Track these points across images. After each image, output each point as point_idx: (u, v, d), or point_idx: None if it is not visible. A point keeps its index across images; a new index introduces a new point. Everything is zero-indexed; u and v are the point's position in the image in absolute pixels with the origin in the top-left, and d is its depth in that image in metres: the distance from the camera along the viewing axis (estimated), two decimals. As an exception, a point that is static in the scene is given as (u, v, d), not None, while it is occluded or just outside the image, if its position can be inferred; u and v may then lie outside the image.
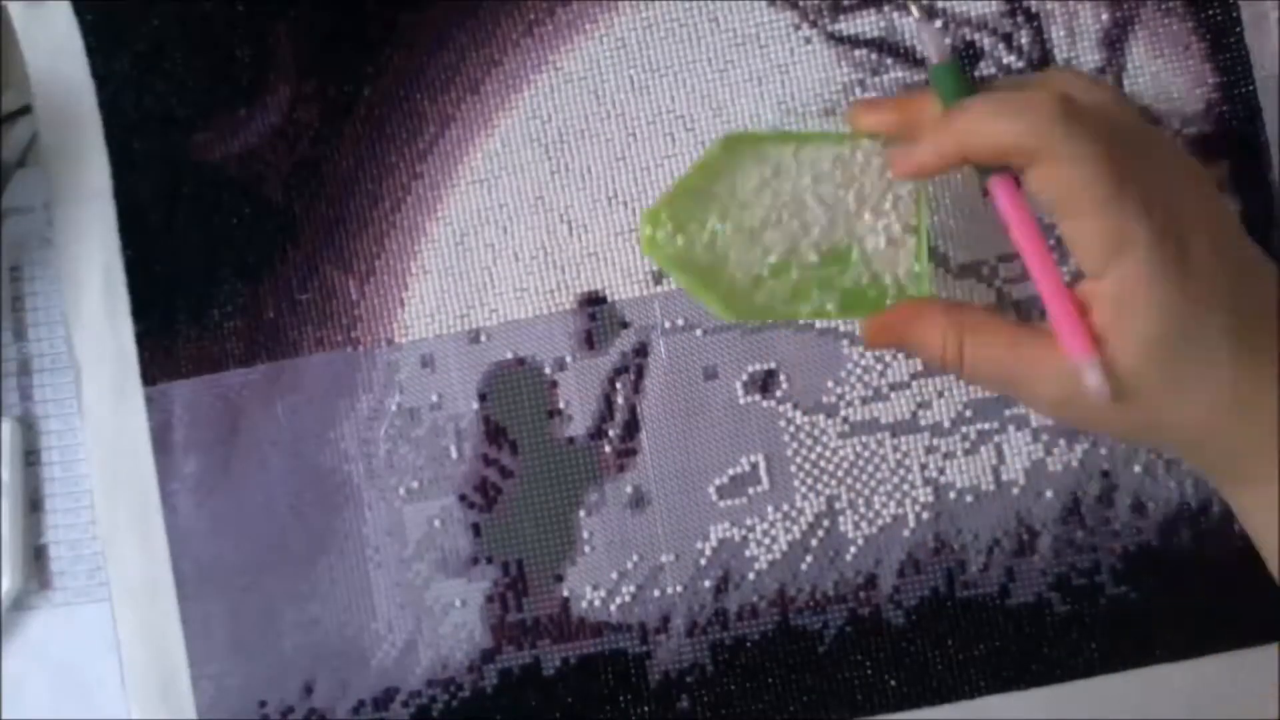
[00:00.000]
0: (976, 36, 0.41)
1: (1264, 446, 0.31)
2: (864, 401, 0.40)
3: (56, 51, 0.42)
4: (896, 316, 0.34)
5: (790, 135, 0.36)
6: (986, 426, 0.40)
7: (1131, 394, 0.30)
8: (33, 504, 0.42)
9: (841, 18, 0.41)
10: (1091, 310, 0.30)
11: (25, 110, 0.42)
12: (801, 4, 0.41)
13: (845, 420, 0.40)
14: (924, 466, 0.40)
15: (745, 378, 0.40)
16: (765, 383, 0.40)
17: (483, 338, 0.41)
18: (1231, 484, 0.33)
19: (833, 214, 0.35)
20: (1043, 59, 0.41)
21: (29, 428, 0.42)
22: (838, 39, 0.41)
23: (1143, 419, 0.31)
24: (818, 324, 0.40)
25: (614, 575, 0.40)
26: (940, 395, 0.40)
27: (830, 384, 0.40)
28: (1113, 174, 0.29)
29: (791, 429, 0.40)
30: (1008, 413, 0.40)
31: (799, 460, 0.40)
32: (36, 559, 0.41)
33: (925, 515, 0.40)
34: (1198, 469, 0.34)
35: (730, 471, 0.40)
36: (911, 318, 0.33)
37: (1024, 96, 0.31)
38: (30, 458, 0.42)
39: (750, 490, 0.40)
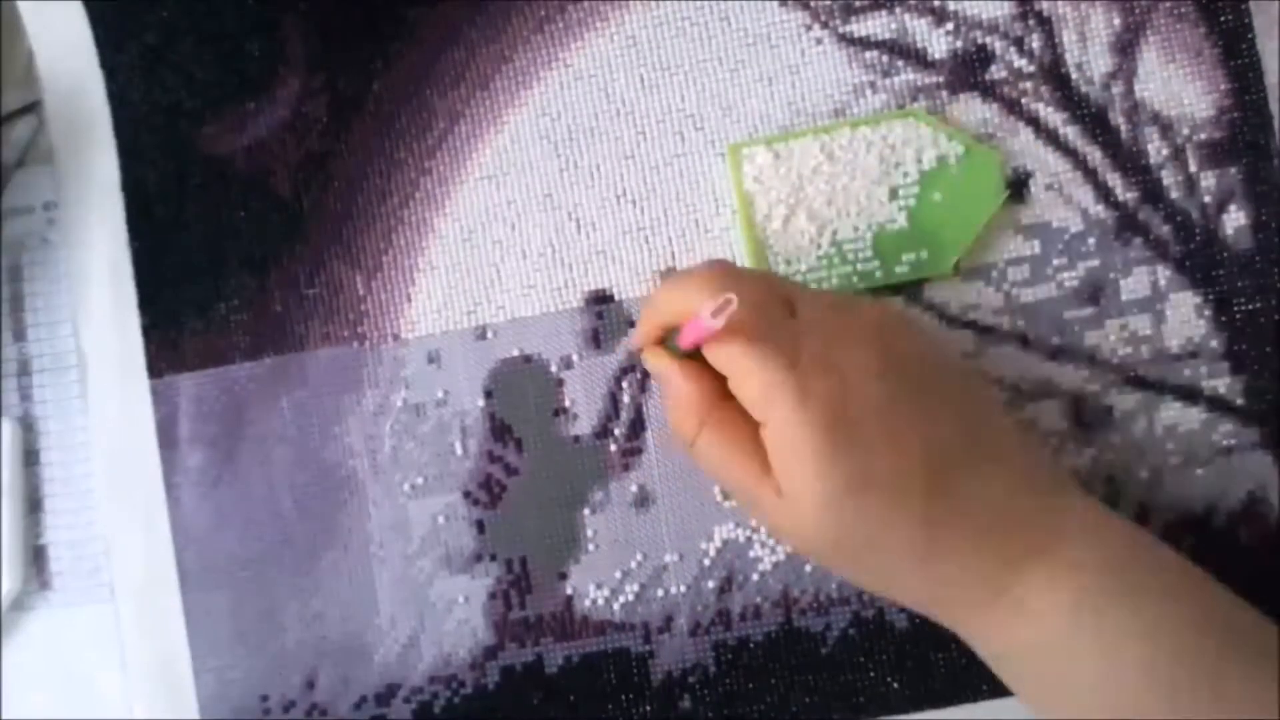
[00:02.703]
0: (987, 40, 0.41)
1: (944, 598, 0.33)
2: (870, 403, 0.40)
3: (65, 43, 0.42)
4: (663, 369, 0.35)
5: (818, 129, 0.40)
6: (992, 430, 0.40)
7: (808, 536, 0.32)
8: (33, 504, 0.41)
9: (853, 19, 0.41)
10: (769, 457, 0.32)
11: (25, 110, 0.42)
12: (813, 5, 0.41)
13: (851, 422, 0.40)
14: (929, 469, 0.40)
15: (752, 378, 0.40)
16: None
17: (489, 334, 0.41)
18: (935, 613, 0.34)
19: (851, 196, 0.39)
20: (1053, 63, 0.40)
21: (29, 428, 0.42)
22: (849, 40, 0.41)
23: (824, 553, 0.33)
24: (825, 325, 0.40)
25: (618, 574, 0.40)
26: (947, 398, 0.40)
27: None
28: (755, 329, 0.31)
29: (797, 430, 0.40)
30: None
31: (804, 461, 0.40)
32: (36, 559, 0.41)
33: (930, 518, 0.40)
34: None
35: (735, 472, 0.40)
36: (671, 379, 0.35)
37: (689, 271, 0.34)
38: (30, 458, 0.42)
39: (755, 491, 0.40)
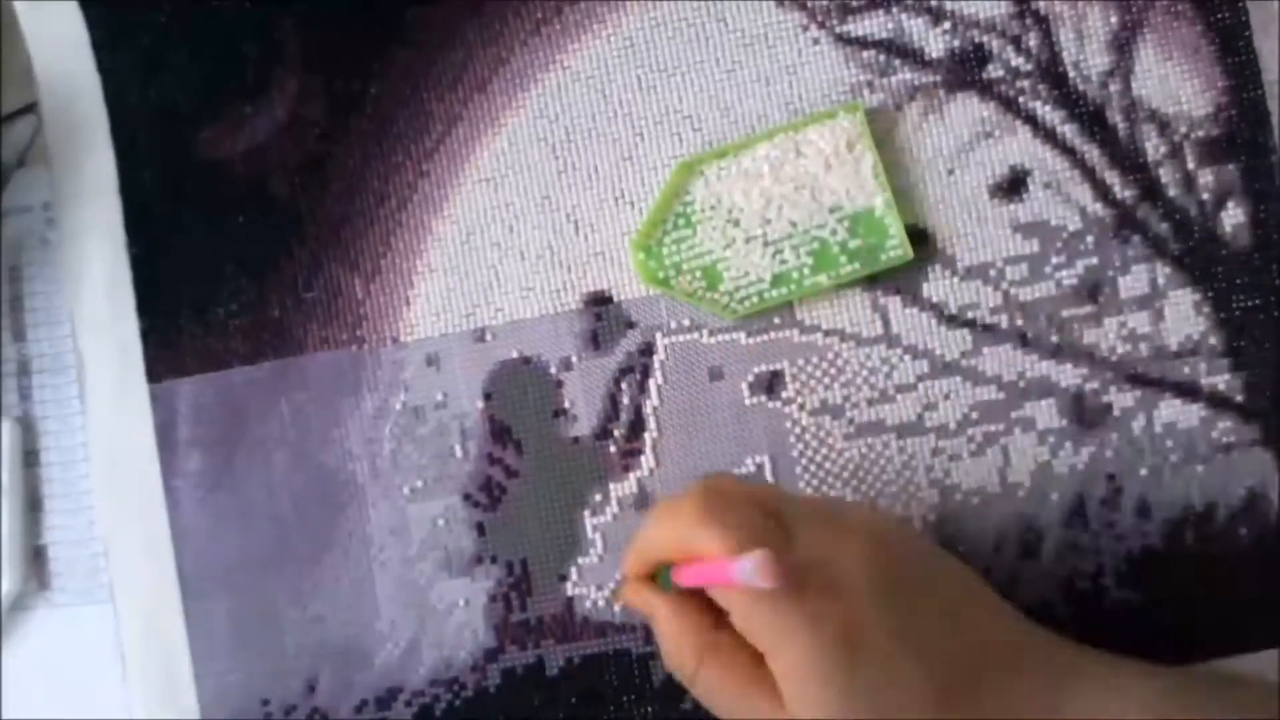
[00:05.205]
0: (985, 39, 0.41)
1: None
2: (870, 403, 0.40)
3: (63, 46, 0.42)
4: (652, 608, 0.34)
5: (737, 144, 0.40)
6: (993, 428, 0.40)
7: None
8: (32, 504, 0.41)
9: (850, 19, 0.41)
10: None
11: (26, 110, 0.42)
12: (810, 5, 0.41)
13: (851, 422, 0.40)
14: (929, 469, 0.40)
15: (751, 379, 0.40)
16: (771, 384, 0.40)
17: (488, 337, 0.41)
18: None
19: (792, 199, 0.40)
20: (1051, 61, 0.41)
21: (29, 428, 0.42)
22: (846, 40, 0.41)
23: None
24: (824, 325, 0.40)
25: (618, 575, 0.40)
26: (946, 398, 0.40)
27: (836, 385, 0.40)
28: None
29: (797, 430, 0.40)
30: (1014, 415, 0.40)
31: (804, 462, 0.40)
32: (36, 559, 0.41)
33: (930, 517, 0.40)
34: None
35: (736, 472, 0.40)
36: (661, 618, 0.34)
37: (676, 504, 0.32)
38: (30, 458, 0.41)
39: (755, 491, 0.40)
